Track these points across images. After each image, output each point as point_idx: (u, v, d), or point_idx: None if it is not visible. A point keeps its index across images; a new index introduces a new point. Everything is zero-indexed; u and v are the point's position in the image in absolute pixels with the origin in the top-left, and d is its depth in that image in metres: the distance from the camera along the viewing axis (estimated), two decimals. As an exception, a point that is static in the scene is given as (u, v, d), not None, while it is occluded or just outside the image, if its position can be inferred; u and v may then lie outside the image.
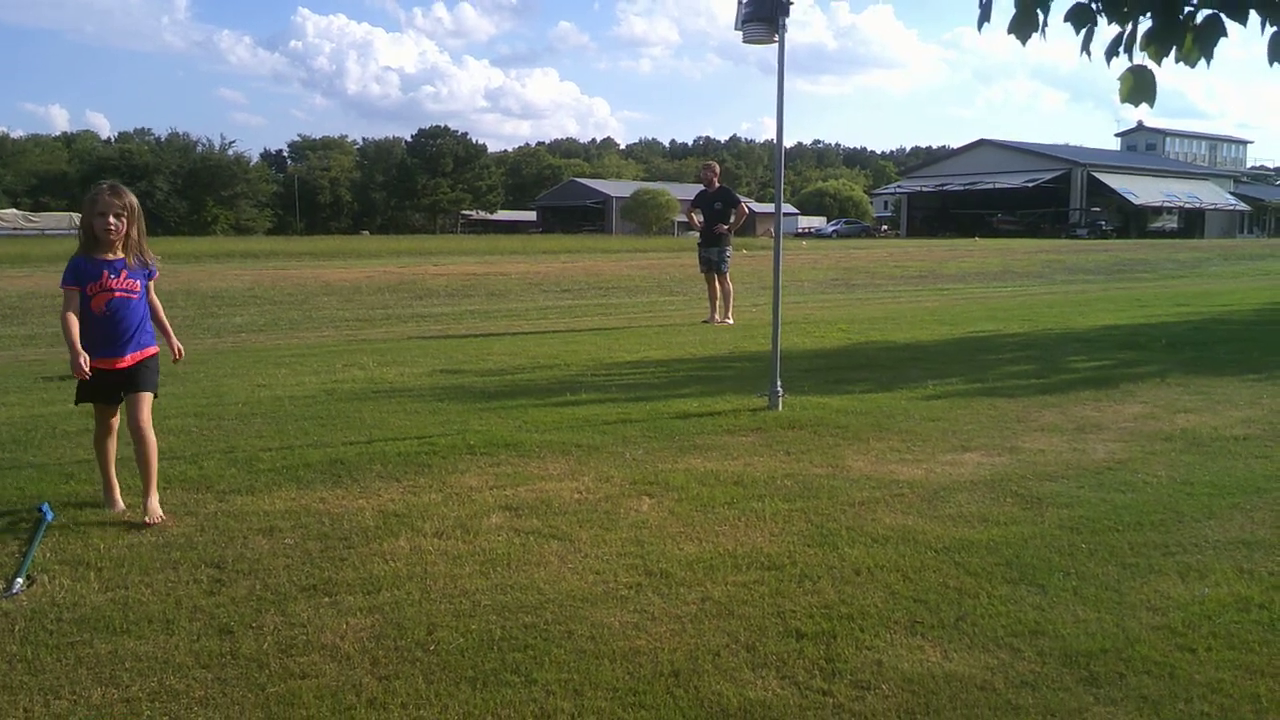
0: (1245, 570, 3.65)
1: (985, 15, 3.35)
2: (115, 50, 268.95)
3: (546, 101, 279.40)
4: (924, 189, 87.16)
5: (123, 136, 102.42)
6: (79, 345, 4.15)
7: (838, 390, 7.37)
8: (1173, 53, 3.18)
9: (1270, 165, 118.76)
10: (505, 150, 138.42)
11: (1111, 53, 3.23)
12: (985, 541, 3.96)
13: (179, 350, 4.62)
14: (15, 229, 61.07)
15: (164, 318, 4.56)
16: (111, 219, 4.20)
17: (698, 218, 13.12)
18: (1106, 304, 16.16)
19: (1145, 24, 3.17)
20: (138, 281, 4.32)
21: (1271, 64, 2.99)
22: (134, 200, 4.32)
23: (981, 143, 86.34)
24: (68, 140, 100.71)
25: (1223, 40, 3.08)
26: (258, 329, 13.60)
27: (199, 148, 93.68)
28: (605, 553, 3.87)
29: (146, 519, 4.19)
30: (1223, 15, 3.05)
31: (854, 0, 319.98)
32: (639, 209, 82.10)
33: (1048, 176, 75.95)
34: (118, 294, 4.25)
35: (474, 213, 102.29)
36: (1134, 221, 74.70)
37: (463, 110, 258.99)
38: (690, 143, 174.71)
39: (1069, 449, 5.54)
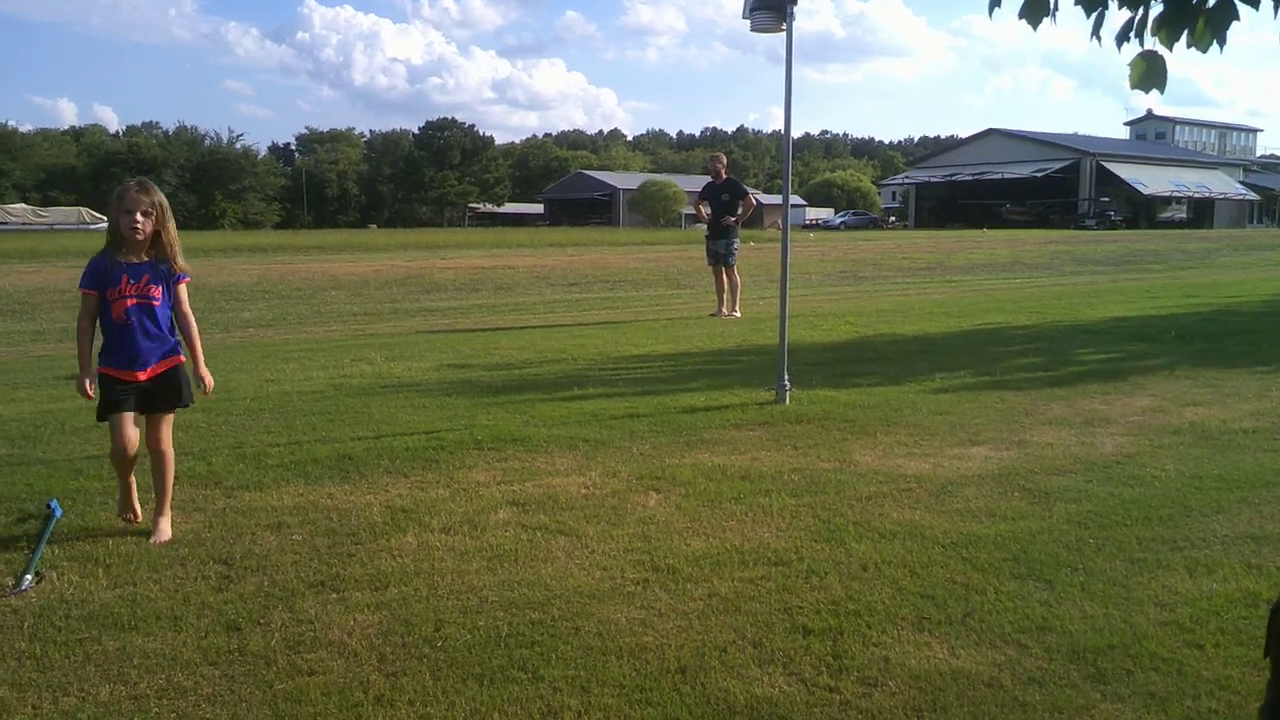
0: (1254, 565, 3.64)
1: (996, 0, 3.32)
2: (123, 43, 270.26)
3: (553, 92, 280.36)
4: (932, 179, 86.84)
5: (131, 130, 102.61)
6: (87, 363, 3.94)
7: (845, 384, 7.36)
8: (1184, 37, 3.15)
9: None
10: (512, 142, 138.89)
11: (1122, 38, 3.20)
12: (993, 536, 3.95)
13: (208, 384, 4.14)
14: (24, 224, 61.22)
15: (197, 339, 4.16)
16: (139, 217, 3.91)
17: (705, 210, 13.09)
18: (1115, 295, 16.09)
19: (1157, 8, 3.14)
20: (159, 289, 4.01)
21: None
22: (163, 199, 4.02)
23: (990, 132, 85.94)
24: (76, 134, 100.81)
25: (1233, 26, 3.05)
26: (265, 324, 13.62)
27: (207, 141, 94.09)
28: (612, 548, 3.87)
29: (153, 538, 3.98)
30: None
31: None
32: (646, 201, 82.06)
33: (1057, 166, 75.58)
34: (138, 301, 3.97)
35: (481, 205, 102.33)
36: (1143, 212, 74.32)
37: (470, 102, 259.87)
38: (697, 134, 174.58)
39: (1077, 443, 5.52)
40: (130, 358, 3.98)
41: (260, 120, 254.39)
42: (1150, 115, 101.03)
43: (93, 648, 3.03)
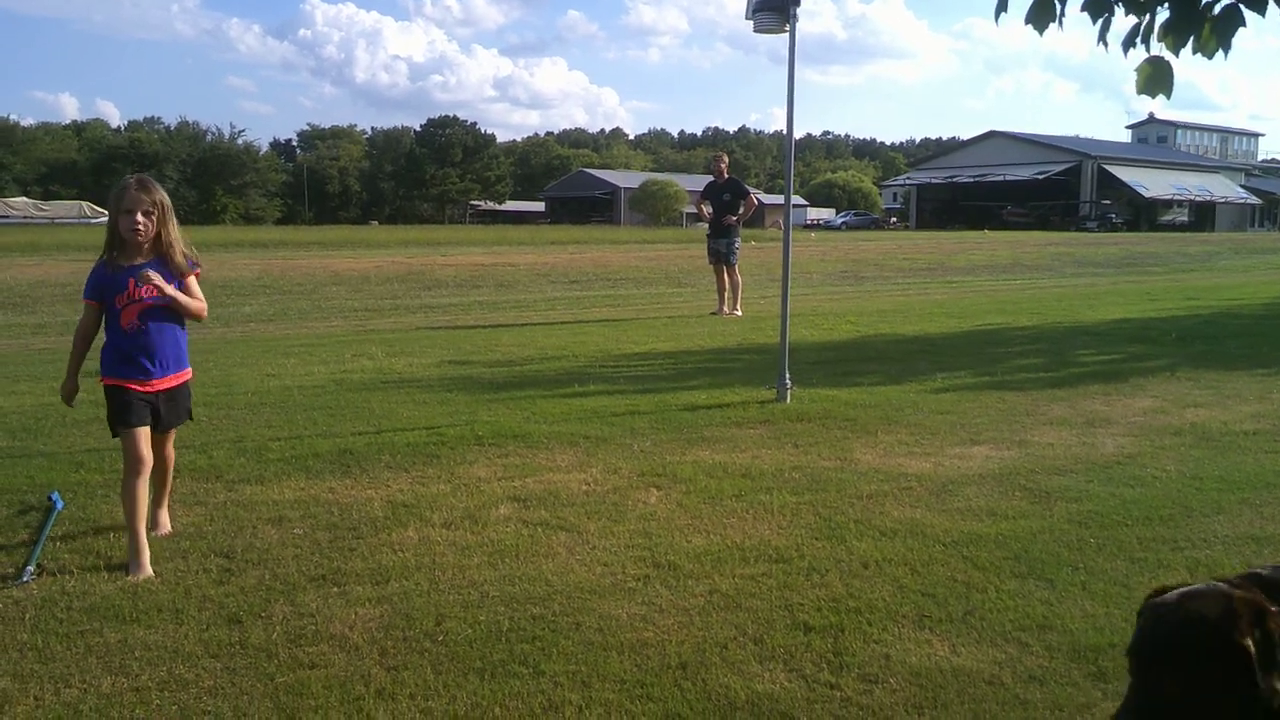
0: (1254, 566, 3.63)
1: (1003, 5, 3.33)
2: (125, 39, 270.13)
3: (555, 91, 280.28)
4: (933, 181, 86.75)
5: (132, 125, 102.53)
6: (74, 374, 3.80)
7: (846, 383, 7.36)
8: (1190, 43, 3.15)
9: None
10: (514, 140, 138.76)
11: (1128, 43, 3.21)
12: (993, 535, 3.95)
13: (158, 282, 3.67)
14: (25, 217, 61.19)
15: (195, 304, 3.82)
16: (139, 217, 3.62)
17: (707, 209, 13.09)
18: (1116, 297, 16.09)
19: (1163, 14, 3.15)
20: (172, 286, 3.73)
21: None
22: (164, 196, 3.73)
23: (992, 134, 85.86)
24: (78, 129, 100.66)
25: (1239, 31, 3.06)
26: (267, 318, 13.62)
27: (208, 137, 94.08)
28: (613, 544, 3.87)
29: (154, 531, 3.88)
30: (1242, 5, 3.03)
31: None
32: (647, 200, 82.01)
33: (1058, 169, 75.52)
34: (149, 303, 3.68)
35: (482, 203, 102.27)
36: (1144, 214, 74.26)
37: (471, 100, 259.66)
38: (699, 133, 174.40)
39: (1078, 443, 5.52)
40: (145, 366, 3.71)
41: (262, 116, 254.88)
42: (1152, 119, 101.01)
43: (94, 640, 3.04)
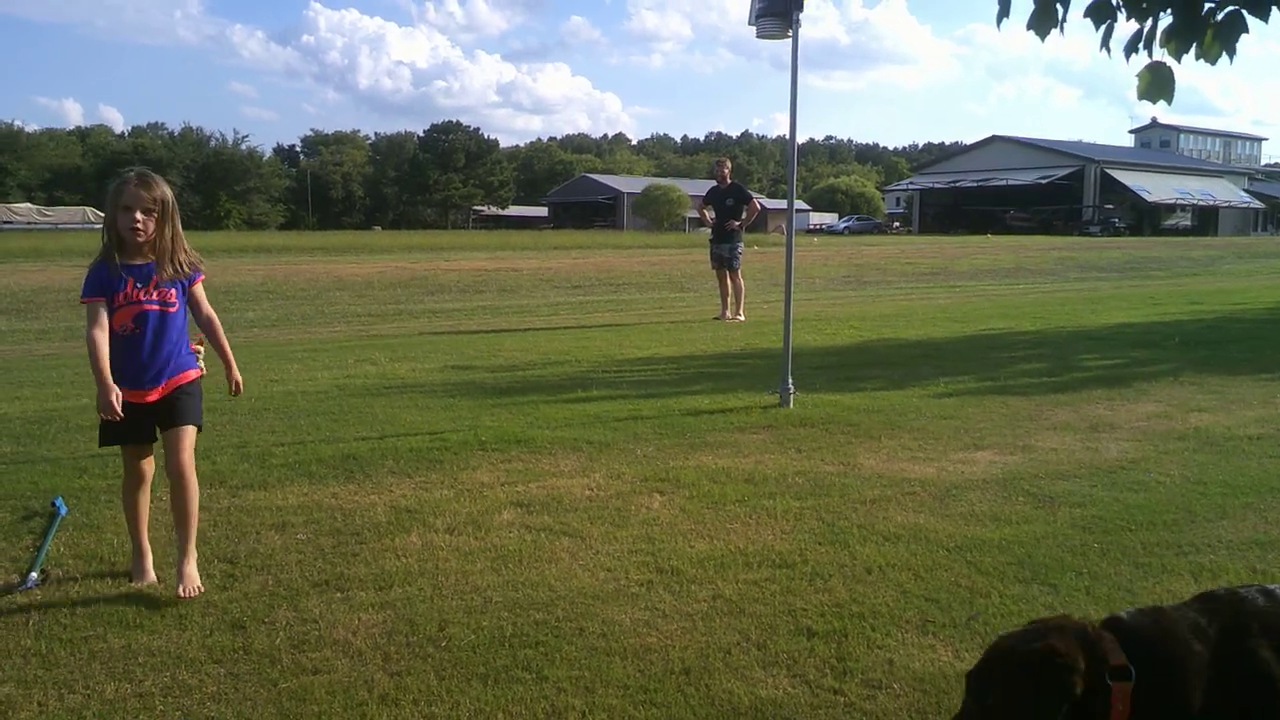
0: (1259, 571, 3.63)
1: (1004, 10, 3.33)
2: (128, 45, 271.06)
3: (558, 97, 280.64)
4: (936, 185, 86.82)
5: (136, 131, 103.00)
6: (109, 377, 3.30)
7: (849, 388, 7.36)
8: (1193, 49, 3.16)
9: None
10: (517, 146, 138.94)
11: (1131, 49, 3.21)
12: (997, 540, 3.95)
13: (238, 383, 3.75)
14: (29, 223, 61.36)
15: (223, 336, 3.70)
16: (139, 215, 3.36)
17: (710, 214, 13.10)
18: (1119, 302, 16.08)
19: (1166, 20, 3.15)
20: (173, 291, 3.47)
21: None
22: (167, 192, 3.45)
23: (994, 139, 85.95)
24: (82, 134, 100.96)
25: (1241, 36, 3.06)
26: (270, 324, 13.64)
27: (212, 142, 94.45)
28: (616, 550, 3.87)
29: (181, 590, 3.38)
30: (1244, 11, 3.03)
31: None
32: (650, 205, 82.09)
33: (1061, 173, 75.57)
34: (147, 307, 3.41)
35: (486, 208, 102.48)
36: (1147, 219, 74.26)
37: (474, 105, 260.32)
38: (702, 138, 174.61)
39: (1082, 448, 5.52)
40: (138, 374, 3.42)
41: (265, 122, 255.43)
42: (1155, 123, 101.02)
43: (98, 645, 3.04)
